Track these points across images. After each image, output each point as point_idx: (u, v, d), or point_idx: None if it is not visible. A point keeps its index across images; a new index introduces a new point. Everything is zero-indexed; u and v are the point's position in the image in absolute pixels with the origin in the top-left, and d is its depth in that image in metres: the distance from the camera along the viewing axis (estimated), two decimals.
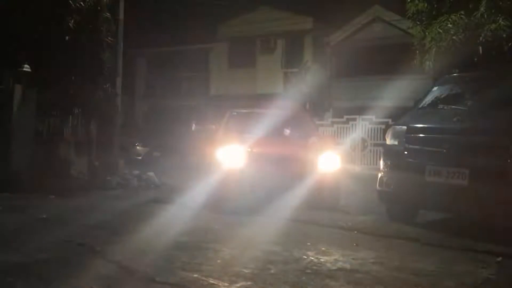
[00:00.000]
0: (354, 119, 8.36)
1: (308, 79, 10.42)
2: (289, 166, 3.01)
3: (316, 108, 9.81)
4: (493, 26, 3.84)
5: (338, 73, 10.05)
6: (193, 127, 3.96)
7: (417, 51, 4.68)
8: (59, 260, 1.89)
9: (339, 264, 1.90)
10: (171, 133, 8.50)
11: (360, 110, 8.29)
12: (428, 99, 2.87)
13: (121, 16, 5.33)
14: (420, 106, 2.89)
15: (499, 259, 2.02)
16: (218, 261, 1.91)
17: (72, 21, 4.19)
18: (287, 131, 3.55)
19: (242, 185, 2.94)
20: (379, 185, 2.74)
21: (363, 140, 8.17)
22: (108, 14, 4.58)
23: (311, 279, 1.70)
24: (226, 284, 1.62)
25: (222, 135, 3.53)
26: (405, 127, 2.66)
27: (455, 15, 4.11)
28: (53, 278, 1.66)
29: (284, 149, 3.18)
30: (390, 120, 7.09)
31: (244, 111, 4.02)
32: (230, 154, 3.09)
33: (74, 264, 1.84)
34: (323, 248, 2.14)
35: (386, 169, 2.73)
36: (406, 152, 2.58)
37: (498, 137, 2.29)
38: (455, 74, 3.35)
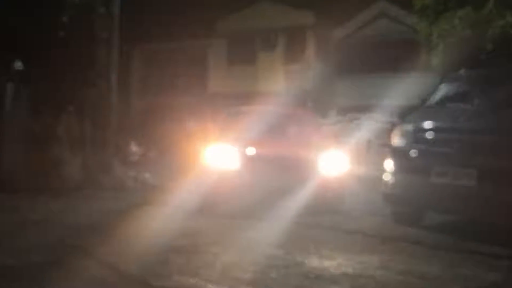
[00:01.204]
0: (359, 118, 8.18)
1: (311, 77, 10.32)
2: (290, 167, 2.89)
3: (319, 107, 9.69)
4: (501, 22, 3.76)
5: (342, 70, 9.88)
6: (190, 125, 3.83)
7: (424, 48, 4.59)
8: (51, 262, 1.82)
9: (343, 269, 1.84)
10: (168, 132, 8.39)
11: (365, 109, 8.14)
12: (435, 97, 2.80)
13: (117, 11, 5.20)
14: (427, 104, 2.83)
15: (507, 262, 1.98)
16: (217, 265, 1.85)
17: (67, 16, 4.08)
18: (291, 130, 3.43)
19: (239, 188, 2.83)
20: (384, 187, 2.68)
21: (368, 140, 8.07)
22: (103, 8, 4.46)
23: (313, 284, 1.65)
24: None
25: (218, 135, 3.41)
26: (411, 127, 2.59)
27: (462, 11, 4.04)
28: (45, 281, 1.60)
29: (284, 149, 3.06)
30: (396, 119, 6.90)
31: (242, 108, 3.89)
32: (225, 155, 2.98)
33: (67, 267, 1.78)
34: (326, 252, 2.08)
35: (391, 170, 2.65)
36: (412, 152, 2.51)
37: (507, 136, 2.22)
38: (462, 71, 3.25)
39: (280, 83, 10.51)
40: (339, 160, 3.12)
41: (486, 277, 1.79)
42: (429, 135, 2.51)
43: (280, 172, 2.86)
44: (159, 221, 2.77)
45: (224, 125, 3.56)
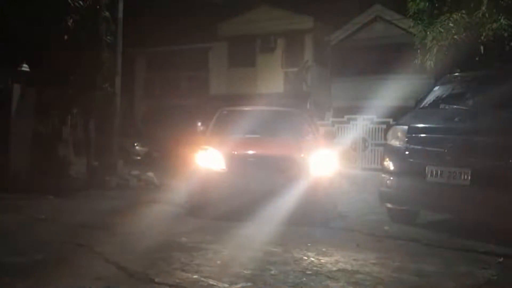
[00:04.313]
0: (355, 119, 8.29)
1: (309, 79, 10.43)
2: (280, 167, 2.86)
3: (316, 108, 9.80)
4: (494, 25, 3.84)
5: (339, 73, 10.04)
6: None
7: (418, 51, 4.67)
8: (58, 261, 1.88)
9: (340, 265, 1.89)
10: (170, 133, 8.48)
11: (361, 110, 8.24)
12: (430, 98, 2.86)
13: (120, 15, 5.30)
14: (422, 105, 2.87)
15: (501, 259, 2.02)
16: (218, 262, 1.91)
17: (71, 20, 4.18)
18: (283, 130, 3.34)
19: (232, 189, 2.80)
20: (380, 186, 2.73)
21: (364, 140, 8.14)
22: (107, 13, 4.57)
23: (311, 280, 1.69)
24: (226, 285, 1.61)
25: (210, 136, 3.36)
26: (406, 127, 2.64)
27: (456, 14, 4.11)
28: (51, 278, 1.65)
29: (275, 149, 3.01)
30: (391, 120, 7.04)
31: (235, 109, 3.80)
32: (217, 157, 2.94)
33: (73, 265, 1.84)
34: (324, 249, 2.13)
35: (387, 170, 2.71)
36: (407, 152, 2.56)
37: (500, 137, 2.27)
38: (456, 74, 3.31)
39: (279, 85, 10.62)
40: (329, 160, 3.06)
41: (481, 274, 1.84)
42: (424, 136, 2.57)
43: (271, 173, 2.83)
44: (162, 219, 2.83)
45: (216, 126, 3.49)
